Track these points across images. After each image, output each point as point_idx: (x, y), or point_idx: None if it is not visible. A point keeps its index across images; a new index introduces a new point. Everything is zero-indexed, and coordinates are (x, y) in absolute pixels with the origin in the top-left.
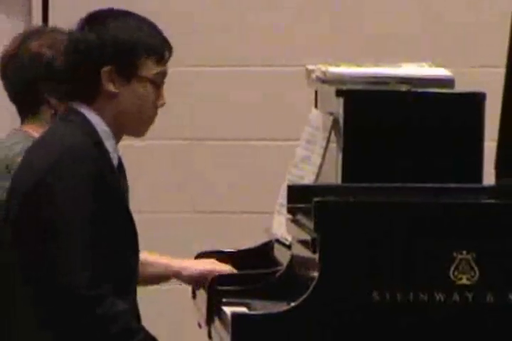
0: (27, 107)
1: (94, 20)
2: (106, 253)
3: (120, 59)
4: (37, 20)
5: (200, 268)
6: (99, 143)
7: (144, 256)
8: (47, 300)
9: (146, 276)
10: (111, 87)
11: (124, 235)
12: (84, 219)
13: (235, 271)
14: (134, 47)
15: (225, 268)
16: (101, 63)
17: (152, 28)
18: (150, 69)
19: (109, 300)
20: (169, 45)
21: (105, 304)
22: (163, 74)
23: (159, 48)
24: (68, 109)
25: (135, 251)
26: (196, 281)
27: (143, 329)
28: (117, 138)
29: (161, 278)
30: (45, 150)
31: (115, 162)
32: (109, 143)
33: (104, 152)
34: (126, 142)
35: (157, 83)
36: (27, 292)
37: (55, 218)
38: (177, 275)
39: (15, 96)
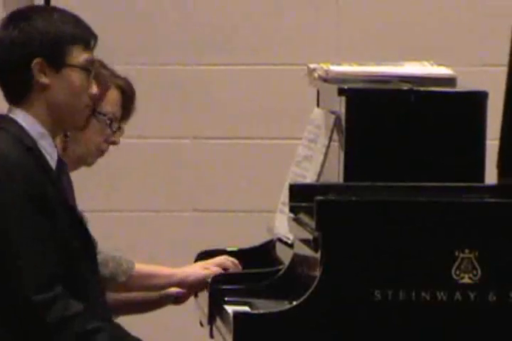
0: None
1: (18, 17)
2: (57, 260)
3: (47, 50)
4: None
5: (203, 273)
6: (31, 149)
7: (145, 268)
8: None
9: (149, 288)
10: (43, 79)
11: (73, 241)
12: (28, 230)
13: (239, 267)
14: (59, 37)
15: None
16: (30, 57)
17: (75, 18)
18: (77, 56)
19: (61, 302)
20: (93, 32)
21: (55, 309)
22: (91, 61)
23: (84, 36)
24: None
25: (88, 255)
26: (203, 285)
27: (103, 327)
28: (55, 133)
29: (164, 288)
30: None
31: (54, 161)
32: (44, 143)
33: (38, 156)
34: (126, 140)
35: (87, 69)
36: None
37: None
38: (182, 282)
39: None
